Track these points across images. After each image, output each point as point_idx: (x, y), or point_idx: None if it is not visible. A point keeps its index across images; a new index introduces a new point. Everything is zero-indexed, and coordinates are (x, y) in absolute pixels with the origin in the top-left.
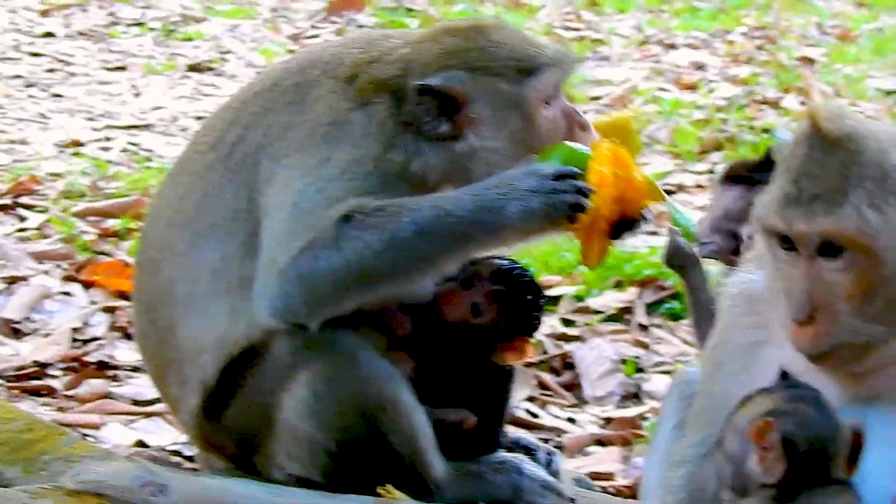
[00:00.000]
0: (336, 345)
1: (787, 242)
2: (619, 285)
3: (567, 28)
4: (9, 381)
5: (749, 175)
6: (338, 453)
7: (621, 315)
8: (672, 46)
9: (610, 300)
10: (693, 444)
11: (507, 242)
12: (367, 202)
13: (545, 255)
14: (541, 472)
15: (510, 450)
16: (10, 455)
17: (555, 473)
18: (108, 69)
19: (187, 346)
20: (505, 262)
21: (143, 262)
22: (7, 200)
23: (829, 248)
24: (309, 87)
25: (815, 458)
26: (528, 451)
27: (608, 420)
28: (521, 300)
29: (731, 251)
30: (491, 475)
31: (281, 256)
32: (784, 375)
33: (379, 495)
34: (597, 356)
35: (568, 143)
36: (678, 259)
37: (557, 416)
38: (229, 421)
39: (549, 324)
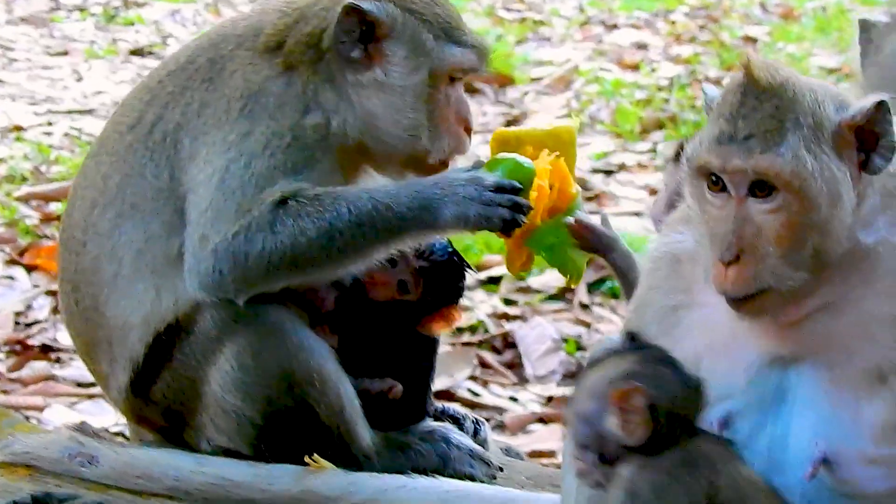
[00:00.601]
0: (261, 318)
1: (716, 185)
2: None
3: (509, 9)
4: None
5: None
6: (265, 425)
7: (562, 294)
8: (614, 27)
9: (551, 280)
10: None
11: (438, 236)
12: (303, 188)
13: (486, 236)
14: (468, 441)
15: (437, 419)
16: None
17: (482, 442)
18: (51, 54)
19: (114, 324)
20: None
21: (67, 241)
22: None
23: (761, 187)
24: (224, 61)
25: (678, 418)
26: (456, 420)
27: (550, 398)
28: (445, 273)
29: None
30: (419, 444)
31: (213, 235)
32: (632, 337)
33: (307, 465)
34: (538, 335)
35: (514, 155)
36: (598, 243)
37: (499, 395)
38: (158, 395)
39: (491, 304)
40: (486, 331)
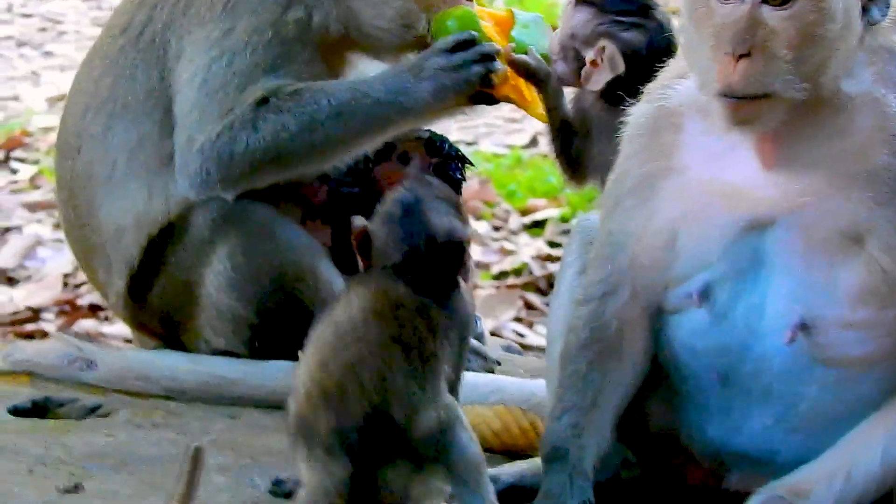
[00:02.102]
0: (252, 217)
1: None
2: None
3: None
4: (3, 326)
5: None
6: (259, 324)
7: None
8: None
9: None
10: (594, 282)
11: (422, 121)
12: (283, 84)
13: (530, 180)
14: None
15: None
16: None
17: (478, 337)
18: (98, 26)
19: (109, 228)
20: (426, 132)
21: (62, 147)
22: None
23: None
24: None
25: None
26: None
27: None
28: (454, 167)
29: (575, 74)
30: None
31: (199, 135)
32: None
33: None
34: None
35: (455, 7)
36: (533, 73)
37: (544, 336)
38: (155, 300)
39: (535, 246)
40: (531, 273)
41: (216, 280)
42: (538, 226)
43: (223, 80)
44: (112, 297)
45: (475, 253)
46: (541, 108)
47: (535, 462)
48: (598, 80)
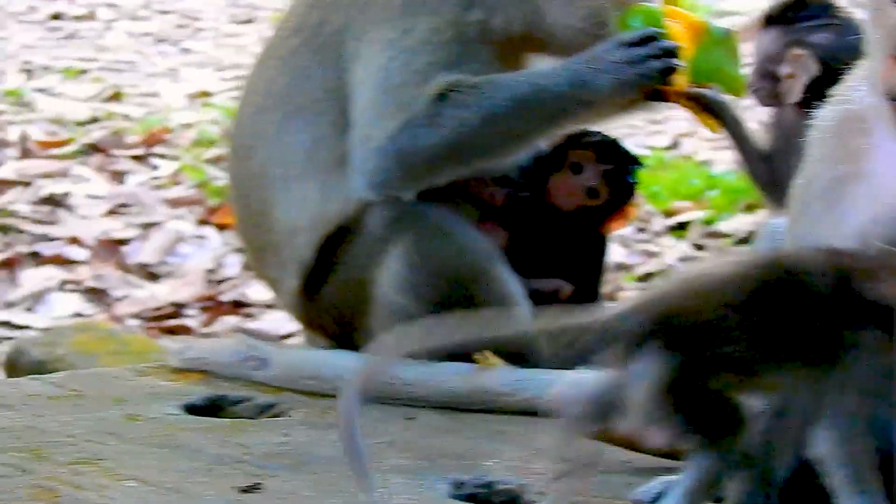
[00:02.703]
0: (428, 217)
1: None
2: (749, 208)
3: None
4: (147, 322)
5: (784, 16)
6: None
7: (752, 238)
8: None
9: (740, 224)
10: None
11: (600, 116)
12: (461, 79)
13: (674, 182)
14: None
15: None
16: None
17: None
18: (236, 23)
19: (283, 228)
20: (596, 135)
21: (236, 149)
22: (141, 151)
23: None
24: None
25: None
26: None
27: None
28: (629, 172)
29: (774, 93)
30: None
31: (377, 133)
32: None
33: (476, 363)
34: None
35: (641, 4)
36: (709, 106)
37: None
38: (327, 299)
39: (680, 248)
40: None
41: (390, 280)
42: (682, 228)
43: (401, 78)
44: (284, 295)
45: (619, 255)
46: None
47: None
48: (796, 88)
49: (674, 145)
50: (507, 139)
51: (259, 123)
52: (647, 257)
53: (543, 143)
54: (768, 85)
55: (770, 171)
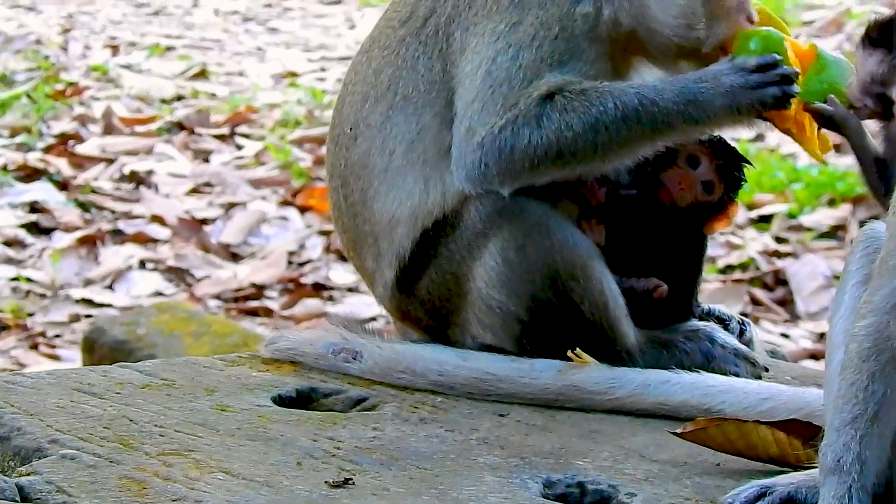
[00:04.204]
0: (527, 212)
1: None
2: (831, 203)
3: None
4: (227, 303)
5: (887, 37)
6: (529, 321)
7: (834, 232)
8: None
9: (822, 217)
10: (880, 294)
11: (705, 134)
12: (570, 81)
13: (757, 175)
14: (733, 341)
15: (703, 320)
16: None
17: (748, 342)
18: (325, 3)
19: (382, 218)
20: None
21: (337, 137)
22: (225, 130)
23: None
24: None
25: None
26: (721, 320)
27: (822, 335)
28: (740, 168)
29: (882, 113)
30: (682, 343)
31: (480, 127)
32: None
33: (569, 360)
34: (810, 272)
35: (760, 28)
36: (833, 121)
37: (770, 332)
38: (423, 292)
39: (762, 241)
40: (758, 268)
41: (487, 274)
42: (765, 220)
43: (507, 73)
44: (379, 286)
45: None
46: (818, 146)
47: (812, 474)
48: None
49: (758, 138)
50: (609, 148)
51: (363, 113)
52: (729, 249)
53: (647, 154)
54: (872, 102)
55: (882, 182)
